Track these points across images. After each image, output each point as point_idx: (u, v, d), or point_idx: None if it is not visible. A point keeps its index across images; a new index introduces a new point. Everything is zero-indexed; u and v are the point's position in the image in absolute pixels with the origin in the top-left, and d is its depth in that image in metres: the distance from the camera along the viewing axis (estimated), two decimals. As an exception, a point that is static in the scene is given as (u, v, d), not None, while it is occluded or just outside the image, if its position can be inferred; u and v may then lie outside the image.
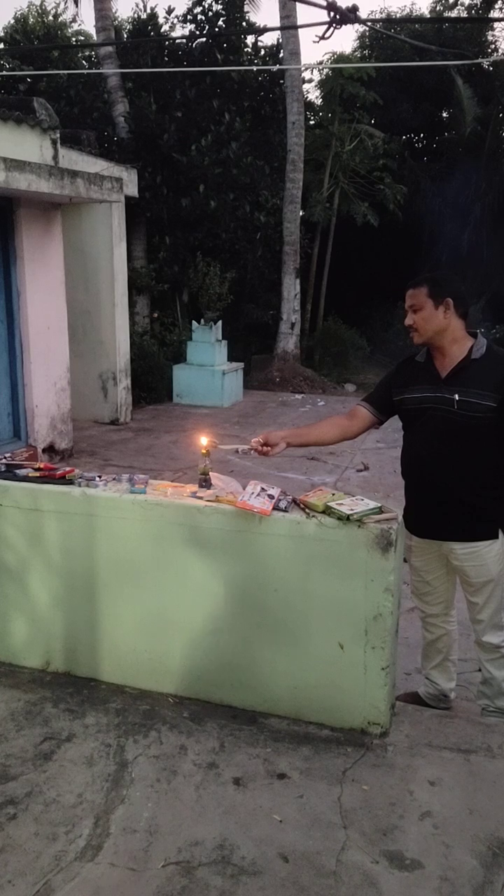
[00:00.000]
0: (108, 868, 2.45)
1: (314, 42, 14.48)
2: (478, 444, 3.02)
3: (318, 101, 19.02)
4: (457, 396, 3.00)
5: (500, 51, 20.74)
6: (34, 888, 2.36)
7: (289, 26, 11.92)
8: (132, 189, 10.21)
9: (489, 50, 20.80)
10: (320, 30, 3.62)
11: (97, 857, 2.49)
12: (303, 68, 16.00)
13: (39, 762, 2.96)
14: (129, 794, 2.79)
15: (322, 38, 3.76)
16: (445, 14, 19.65)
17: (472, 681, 3.81)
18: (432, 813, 2.73)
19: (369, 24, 11.96)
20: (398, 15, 20.63)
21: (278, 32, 14.86)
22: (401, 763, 3.00)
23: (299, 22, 13.10)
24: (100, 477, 3.49)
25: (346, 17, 3.45)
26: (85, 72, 14.17)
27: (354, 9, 3.47)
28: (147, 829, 2.61)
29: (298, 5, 9.21)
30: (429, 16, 20.09)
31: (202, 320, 12.02)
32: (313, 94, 19.37)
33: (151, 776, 2.88)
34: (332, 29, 3.57)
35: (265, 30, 15.56)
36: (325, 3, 3.48)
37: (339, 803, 2.76)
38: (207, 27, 14.90)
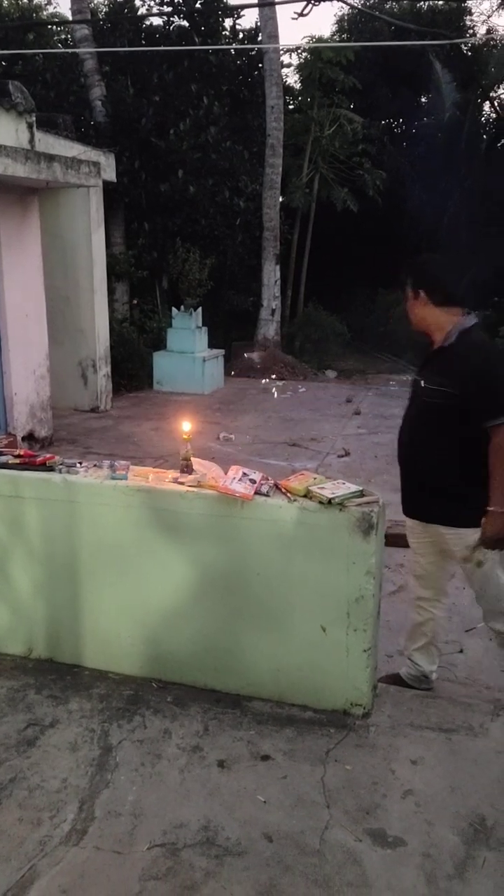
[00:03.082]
0: (94, 852, 2.46)
1: (293, 18, 14.38)
2: (447, 430, 3.06)
3: (298, 86, 18.91)
4: (423, 383, 3.07)
5: (479, 35, 20.71)
6: (19, 873, 2.36)
7: (267, 3, 11.76)
8: (110, 174, 10.10)
9: (468, 34, 20.76)
10: (300, 6, 3.58)
11: (82, 841, 2.50)
12: (282, 50, 15.89)
13: (23, 748, 2.96)
14: (114, 778, 2.80)
15: (301, 14, 3.73)
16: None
17: (454, 662, 3.86)
18: (414, 791, 2.76)
19: (348, 2, 11.87)
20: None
21: (257, 16, 14.71)
22: (383, 743, 3.03)
23: None
24: (80, 463, 3.48)
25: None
26: (60, 51, 13.95)
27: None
28: (132, 813, 2.62)
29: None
30: (407, -1, 20.00)
31: (182, 307, 11.95)
32: (292, 79, 19.26)
33: (136, 760, 2.89)
34: (310, 5, 3.54)
35: (244, 6, 15.30)
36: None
37: (323, 783, 2.79)
38: (185, 9, 14.73)
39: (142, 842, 2.50)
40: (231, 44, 15.52)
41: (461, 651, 3.99)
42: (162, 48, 13.47)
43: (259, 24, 14.54)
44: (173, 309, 12.12)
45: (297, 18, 16.77)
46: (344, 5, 15.48)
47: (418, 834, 2.56)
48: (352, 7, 15.47)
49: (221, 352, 12.61)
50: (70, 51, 13.93)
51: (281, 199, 15.24)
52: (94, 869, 2.39)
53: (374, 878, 2.37)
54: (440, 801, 2.72)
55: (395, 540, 5.34)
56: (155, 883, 2.33)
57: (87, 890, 2.30)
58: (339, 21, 20.43)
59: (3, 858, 2.42)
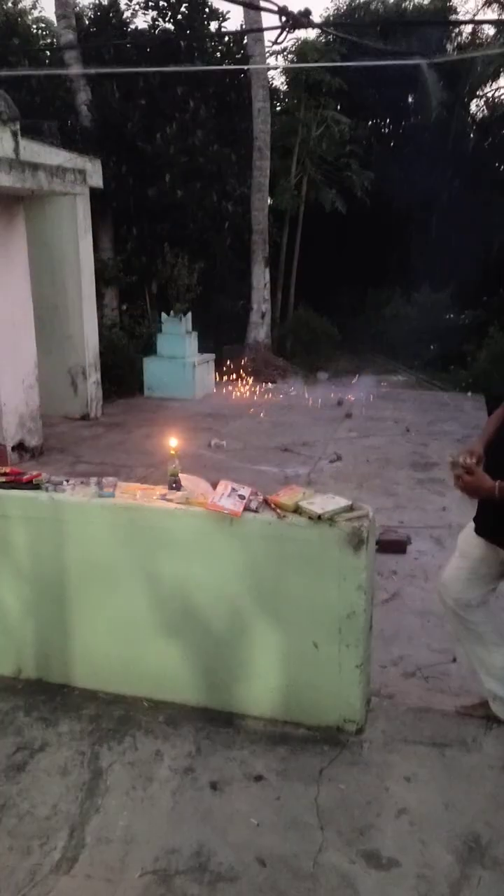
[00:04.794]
0: (84, 880, 2.43)
1: (267, 49, 14.32)
2: None
3: (284, 88, 18.91)
4: None
5: (464, 35, 20.72)
6: (9, 905, 2.33)
7: (243, 31, 11.73)
8: (97, 180, 10.02)
9: (453, 34, 20.79)
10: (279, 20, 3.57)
11: (73, 870, 2.47)
12: (268, 52, 15.87)
13: (12, 773, 2.92)
14: (105, 803, 2.76)
15: (275, 42, 3.73)
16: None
17: (447, 672, 3.83)
18: (408, 810, 2.74)
19: (322, 27, 11.86)
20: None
21: (242, 19, 14.69)
22: (377, 760, 3.00)
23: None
24: (67, 481, 3.44)
25: (299, 21, 3.42)
26: (49, 72, 13.82)
27: (307, 13, 3.43)
28: (123, 839, 2.59)
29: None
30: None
31: (171, 312, 11.91)
32: (279, 80, 19.25)
33: (127, 784, 2.86)
34: (284, 33, 3.55)
35: (221, 34, 15.33)
36: (276, 9, 3.44)
37: (316, 804, 2.76)
38: (170, 13, 14.68)
39: (133, 869, 2.47)
40: (217, 46, 15.47)
41: (454, 660, 3.96)
42: (170, 68, 13.40)
43: (244, 26, 14.51)
44: (163, 314, 12.07)
45: (270, 46, 16.69)
46: (328, 8, 15.48)
47: (412, 854, 2.54)
48: (331, 34, 15.43)
49: (212, 356, 12.57)
50: (57, 72, 13.75)
51: (269, 202, 15.22)
52: (85, 899, 2.36)
53: (369, 903, 2.34)
54: (434, 819, 2.69)
55: (389, 546, 5.34)
56: (147, 912, 2.30)
57: (77, 922, 2.27)
58: (325, 21, 20.42)
59: (-7, 890, 2.39)
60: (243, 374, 13.82)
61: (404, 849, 2.56)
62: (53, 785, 2.85)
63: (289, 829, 2.63)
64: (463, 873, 2.46)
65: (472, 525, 3.18)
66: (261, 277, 14.81)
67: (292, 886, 2.40)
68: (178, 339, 11.70)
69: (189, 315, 11.92)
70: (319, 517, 2.98)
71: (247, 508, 3.09)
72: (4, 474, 3.50)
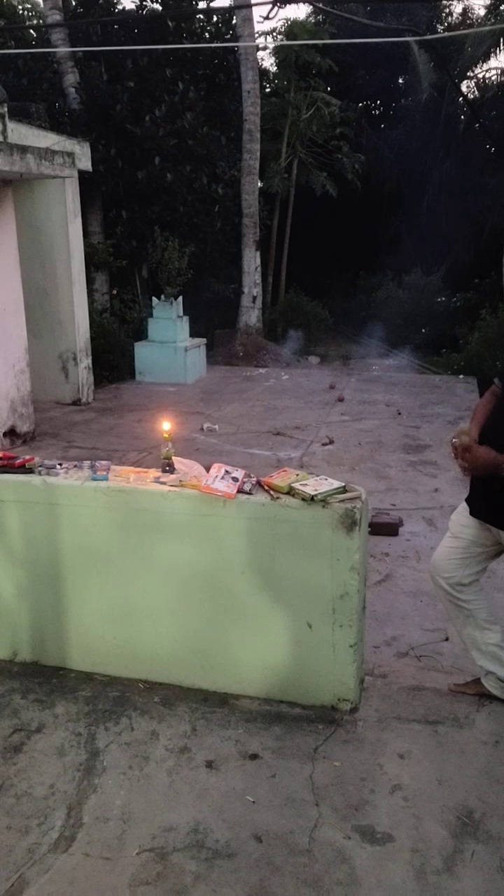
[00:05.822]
0: (83, 858, 2.45)
1: (259, 23, 14.13)
2: None
3: (274, 69, 18.74)
4: None
5: (455, 14, 20.58)
6: (8, 882, 2.35)
7: (232, 7, 11.55)
8: (86, 163, 9.93)
9: (444, 13, 20.65)
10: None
11: (71, 848, 2.49)
12: (257, 33, 15.72)
13: (9, 755, 2.94)
14: (102, 782, 2.79)
15: (266, 18, 3.69)
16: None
17: (440, 650, 3.87)
18: (402, 786, 2.77)
19: (312, 2, 11.74)
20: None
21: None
22: (371, 737, 3.04)
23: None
24: (60, 465, 3.44)
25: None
26: (36, 51, 13.69)
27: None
28: (120, 818, 2.62)
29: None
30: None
31: (162, 296, 11.86)
32: (268, 62, 19.08)
33: (123, 763, 2.88)
34: (275, 9, 3.49)
35: (210, 10, 15.17)
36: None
37: (311, 781, 2.79)
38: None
39: (131, 847, 2.49)
40: (205, 25, 15.31)
41: (446, 639, 3.99)
42: (159, 47, 13.24)
43: (233, 3, 14.36)
44: (154, 298, 12.01)
45: (262, 22, 16.57)
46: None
47: (407, 829, 2.57)
48: (321, 9, 15.29)
49: (203, 341, 12.54)
50: (46, 49, 13.59)
51: (259, 185, 15.13)
52: (84, 876, 2.38)
53: (364, 876, 2.37)
54: (428, 794, 2.73)
55: (381, 529, 5.36)
56: (145, 888, 2.33)
57: (76, 898, 2.30)
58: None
59: (-8, 868, 2.41)
60: (235, 359, 13.80)
61: (398, 824, 2.59)
62: (50, 765, 2.87)
63: (284, 806, 2.66)
64: (456, 847, 2.50)
65: (464, 506, 3.20)
66: (251, 261, 14.75)
67: (288, 862, 2.43)
68: (169, 323, 11.66)
69: (180, 299, 11.87)
70: (313, 499, 3.00)
71: (240, 490, 3.10)
72: (-3, 458, 3.50)
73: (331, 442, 8.00)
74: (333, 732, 3.06)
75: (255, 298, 14.94)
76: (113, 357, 11.76)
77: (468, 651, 3.31)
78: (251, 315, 14.92)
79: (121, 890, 2.33)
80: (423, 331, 16.34)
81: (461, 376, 12.31)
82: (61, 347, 9.85)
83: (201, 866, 2.41)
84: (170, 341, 11.62)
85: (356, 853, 2.47)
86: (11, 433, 7.97)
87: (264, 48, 18.07)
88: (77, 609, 3.42)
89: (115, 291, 14.13)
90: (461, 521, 3.19)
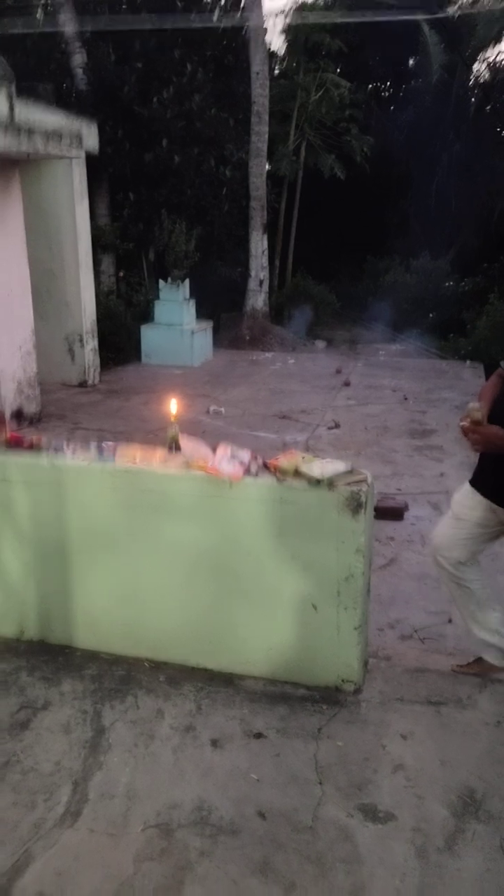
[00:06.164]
0: (88, 834, 2.48)
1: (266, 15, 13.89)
2: None
3: (283, 51, 18.55)
4: None
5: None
6: (14, 857, 2.38)
7: None
8: (93, 144, 9.85)
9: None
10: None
11: (76, 824, 2.52)
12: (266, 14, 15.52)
13: (16, 731, 2.97)
14: (107, 759, 2.81)
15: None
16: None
17: (443, 632, 3.88)
18: (405, 766, 2.79)
19: None
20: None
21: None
22: (374, 718, 3.06)
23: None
24: (67, 445, 3.45)
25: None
26: (42, 30, 13.53)
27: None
28: (125, 794, 2.64)
29: None
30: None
31: (169, 279, 11.82)
32: (277, 43, 18.90)
33: (129, 741, 2.91)
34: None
35: None
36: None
37: (315, 760, 2.81)
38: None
39: (136, 823, 2.52)
40: (214, 7, 15.14)
41: (450, 621, 4.01)
42: (167, 26, 13.10)
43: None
44: (160, 281, 11.97)
45: None
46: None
47: (409, 808, 2.60)
48: None
49: (210, 324, 12.50)
50: (52, 30, 13.44)
51: (267, 168, 15.01)
52: (89, 851, 2.41)
53: (366, 854, 2.40)
54: (430, 774, 2.75)
55: (386, 513, 5.37)
56: (149, 864, 2.36)
57: (81, 872, 2.33)
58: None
59: (-1, 842, 2.44)
60: (241, 342, 13.76)
61: (401, 803, 2.62)
62: (56, 742, 2.90)
63: (288, 785, 2.69)
64: (458, 826, 2.52)
65: (467, 486, 3.20)
66: (259, 244, 14.67)
67: (292, 839, 2.46)
68: (175, 306, 11.63)
69: (187, 282, 11.83)
70: (318, 481, 3.00)
71: (246, 472, 3.11)
72: (5, 439, 3.51)
73: (337, 426, 8.00)
74: (337, 713, 3.08)
75: (261, 282, 14.86)
76: (119, 339, 11.74)
77: (468, 628, 3.33)
78: (258, 299, 14.85)
79: (125, 865, 2.36)
80: (431, 316, 16.25)
81: (468, 362, 12.27)
82: (68, 329, 9.84)
83: (206, 843, 2.44)
84: (176, 324, 11.59)
85: (359, 831, 2.49)
86: (18, 414, 7.98)
87: (283, 30, 17.85)
88: (83, 588, 3.45)
89: (121, 274, 14.08)
90: (464, 501, 3.20)
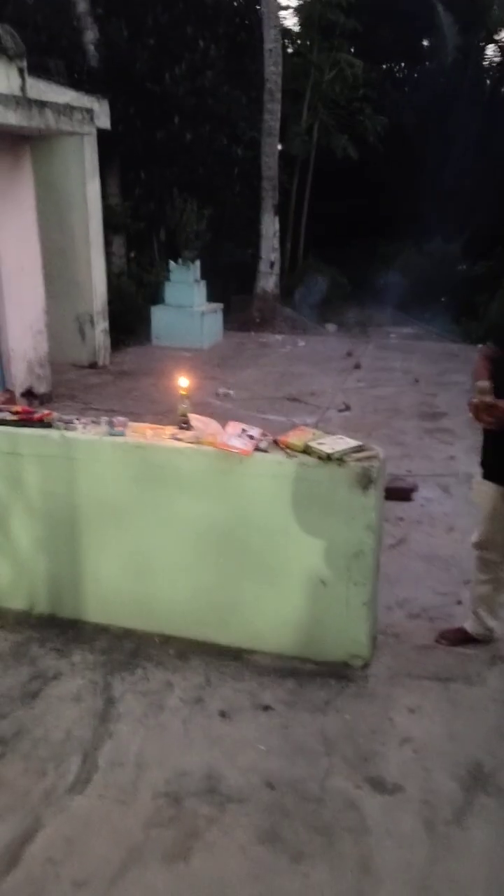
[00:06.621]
0: (97, 801, 2.51)
1: None
2: None
3: (296, 29, 18.33)
4: None
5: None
6: (24, 823, 2.42)
7: None
8: (104, 121, 9.80)
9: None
10: None
11: (86, 791, 2.55)
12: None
13: (27, 700, 3.00)
14: (117, 729, 2.84)
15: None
16: None
17: (452, 613, 3.88)
18: (412, 739, 2.81)
19: None
20: None
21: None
22: (382, 693, 3.07)
23: None
24: (78, 419, 3.46)
25: None
26: None
27: None
28: (135, 763, 2.67)
29: None
30: None
31: (180, 260, 11.77)
32: (291, 21, 18.65)
33: (138, 711, 2.94)
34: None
35: None
36: None
37: (323, 732, 2.83)
38: None
39: (145, 791, 2.55)
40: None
41: (459, 602, 4.01)
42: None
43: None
44: (171, 262, 11.92)
45: None
46: None
47: (417, 781, 2.61)
48: None
49: (220, 305, 12.46)
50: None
51: (280, 147, 14.88)
52: (99, 818, 2.44)
53: (374, 824, 2.42)
54: (438, 748, 2.77)
55: (395, 494, 5.36)
56: (158, 830, 2.39)
57: (91, 838, 2.36)
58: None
59: (10, 809, 2.48)
60: (251, 324, 13.71)
61: (408, 775, 2.63)
62: (67, 711, 2.93)
63: (296, 755, 2.71)
64: (466, 799, 2.54)
65: (479, 477, 3.22)
66: (270, 226, 14.57)
67: (299, 808, 2.48)
68: (186, 287, 11.59)
69: (198, 263, 11.78)
70: (329, 457, 3.00)
71: (257, 448, 3.11)
72: (16, 413, 3.52)
73: (347, 408, 7.98)
74: (345, 687, 3.10)
75: (272, 264, 14.78)
76: (129, 320, 11.72)
77: (476, 610, 3.35)
78: (268, 281, 14.78)
79: (135, 831, 2.39)
80: (443, 299, 16.13)
81: (479, 345, 12.19)
82: (78, 309, 9.82)
83: (214, 810, 2.47)
84: (186, 305, 11.56)
85: (366, 802, 2.51)
86: (28, 394, 8.00)
87: (286, 7, 17.67)
88: (94, 562, 3.46)
89: (132, 254, 14.03)
90: (479, 492, 3.23)
